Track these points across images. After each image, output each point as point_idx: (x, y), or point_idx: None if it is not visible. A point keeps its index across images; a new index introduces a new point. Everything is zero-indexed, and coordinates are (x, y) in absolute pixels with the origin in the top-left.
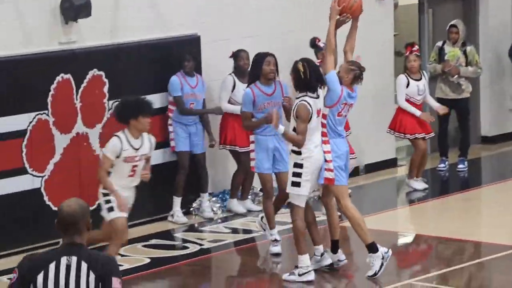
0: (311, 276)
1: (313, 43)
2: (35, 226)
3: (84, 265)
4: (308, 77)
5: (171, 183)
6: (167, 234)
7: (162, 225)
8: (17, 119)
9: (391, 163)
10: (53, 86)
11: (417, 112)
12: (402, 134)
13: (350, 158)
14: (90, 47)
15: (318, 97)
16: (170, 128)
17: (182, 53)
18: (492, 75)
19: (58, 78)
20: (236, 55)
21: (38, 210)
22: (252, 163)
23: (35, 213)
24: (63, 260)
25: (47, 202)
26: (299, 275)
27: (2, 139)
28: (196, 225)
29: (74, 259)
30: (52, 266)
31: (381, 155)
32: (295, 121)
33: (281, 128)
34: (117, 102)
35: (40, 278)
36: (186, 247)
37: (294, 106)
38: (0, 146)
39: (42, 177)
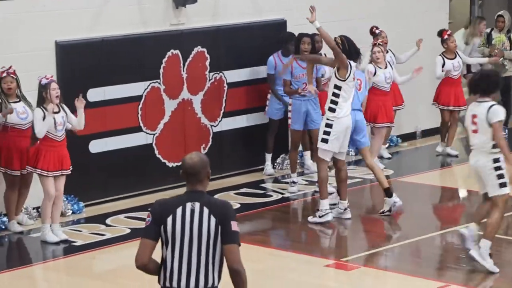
0: (330, 217)
1: (371, 31)
2: (147, 175)
3: (206, 210)
4: (347, 48)
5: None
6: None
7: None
8: (135, 86)
9: None
10: (164, 60)
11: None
12: (441, 106)
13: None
14: (196, 28)
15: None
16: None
17: (277, 35)
18: None
19: (169, 53)
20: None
21: (150, 162)
22: (289, 121)
23: (147, 164)
24: (188, 205)
25: (157, 156)
26: (320, 216)
27: (122, 103)
28: (279, 177)
29: (197, 204)
30: (179, 210)
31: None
32: (335, 77)
33: (316, 23)
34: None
35: (169, 220)
36: (270, 195)
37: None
38: (120, 108)
39: (154, 134)
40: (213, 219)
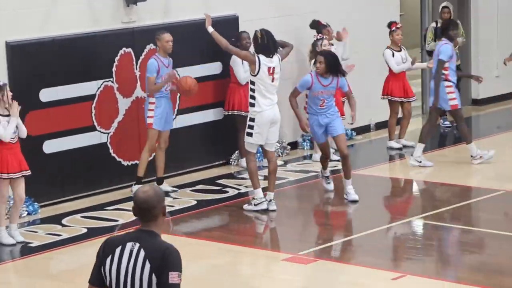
0: (264, 206)
1: (315, 25)
2: (102, 174)
3: (142, 253)
4: (265, 42)
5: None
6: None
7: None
8: (87, 85)
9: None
10: (117, 58)
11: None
12: (390, 97)
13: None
14: (148, 26)
15: (271, 60)
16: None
17: (229, 31)
18: (479, 47)
19: (121, 51)
20: (239, 36)
21: (105, 161)
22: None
23: (102, 163)
24: (128, 246)
25: (112, 154)
26: (255, 205)
27: (75, 102)
28: (234, 173)
29: (136, 246)
30: (117, 251)
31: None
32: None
33: (210, 28)
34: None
35: (108, 261)
36: (226, 192)
37: None
38: (73, 108)
39: (108, 133)
40: (147, 265)
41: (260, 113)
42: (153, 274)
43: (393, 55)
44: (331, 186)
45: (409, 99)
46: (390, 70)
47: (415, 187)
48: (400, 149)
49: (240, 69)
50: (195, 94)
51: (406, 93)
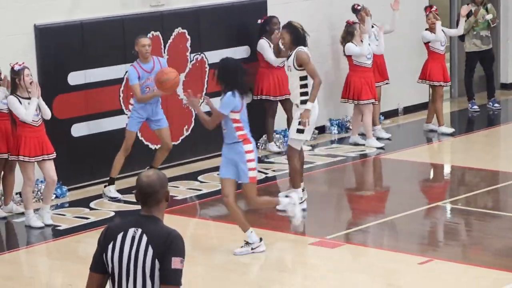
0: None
1: (353, 9)
2: (129, 157)
3: (144, 239)
4: (303, 34)
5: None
6: None
7: None
8: (115, 69)
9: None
10: None
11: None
12: (432, 82)
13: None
14: (176, 9)
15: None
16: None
17: (257, 15)
18: (508, 31)
19: (149, 35)
20: (269, 20)
21: (133, 144)
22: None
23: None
24: (130, 232)
25: (140, 138)
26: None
27: (102, 86)
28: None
29: (139, 231)
30: (119, 237)
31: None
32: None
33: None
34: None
35: (110, 247)
36: None
37: None
38: (101, 91)
39: None
40: (150, 251)
41: (314, 108)
42: (156, 260)
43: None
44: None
45: (447, 83)
46: (430, 53)
47: (446, 171)
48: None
49: (270, 52)
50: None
51: (446, 76)
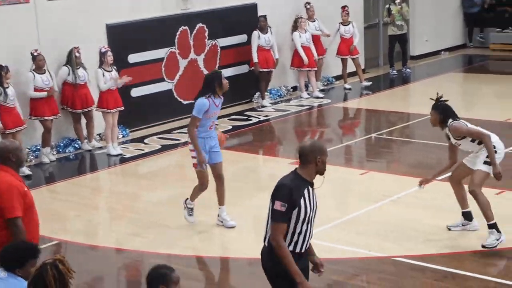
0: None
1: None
2: (169, 109)
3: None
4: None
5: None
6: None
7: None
8: (159, 51)
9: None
10: (178, 33)
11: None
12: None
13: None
14: (197, 11)
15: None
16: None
17: (249, 15)
18: (415, 20)
19: (180, 28)
20: (259, 19)
21: (171, 100)
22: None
23: (169, 102)
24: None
25: (175, 96)
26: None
27: (151, 63)
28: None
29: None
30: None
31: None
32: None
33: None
34: None
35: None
36: (251, 119)
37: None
38: (150, 67)
39: (173, 83)
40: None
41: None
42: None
43: (338, 28)
44: (192, 219)
45: (353, 56)
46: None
47: (375, 114)
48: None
49: (256, 41)
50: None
51: (351, 51)
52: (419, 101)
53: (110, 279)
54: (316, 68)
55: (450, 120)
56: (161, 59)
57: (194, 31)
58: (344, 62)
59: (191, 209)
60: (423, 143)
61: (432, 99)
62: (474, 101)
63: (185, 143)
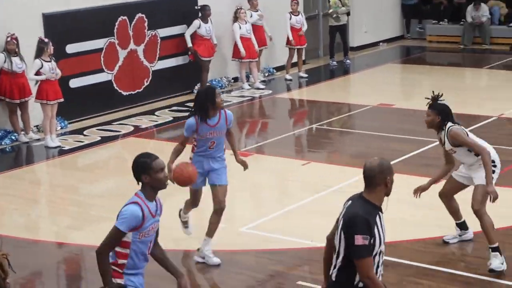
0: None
1: None
2: (108, 100)
3: (341, 220)
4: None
5: None
6: None
7: None
8: (98, 42)
9: None
10: (117, 23)
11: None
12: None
13: None
14: (136, 1)
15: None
16: None
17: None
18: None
19: (119, 18)
20: (203, 8)
21: (110, 94)
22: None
23: (108, 93)
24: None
25: (115, 87)
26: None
27: (90, 53)
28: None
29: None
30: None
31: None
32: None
33: None
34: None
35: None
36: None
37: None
38: (89, 57)
39: (113, 73)
40: (343, 229)
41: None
42: (345, 238)
43: (290, 18)
44: (189, 231)
45: (302, 46)
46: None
47: (316, 105)
48: (291, 80)
49: (193, 28)
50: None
51: (301, 41)
52: (359, 92)
53: (49, 274)
54: (257, 59)
55: (450, 124)
56: (100, 50)
57: (134, 21)
58: (291, 52)
59: (186, 222)
60: (363, 134)
61: (428, 98)
62: (412, 92)
63: (125, 136)
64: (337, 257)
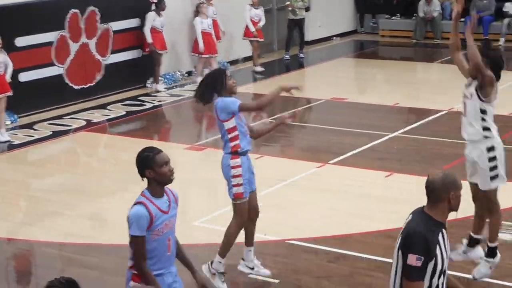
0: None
1: None
2: (59, 94)
3: (400, 237)
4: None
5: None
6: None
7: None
8: (49, 35)
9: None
10: (68, 16)
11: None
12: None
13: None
14: None
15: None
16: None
17: None
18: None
19: (71, 11)
20: (159, 1)
21: (61, 88)
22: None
23: (59, 87)
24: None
25: (66, 81)
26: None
27: (40, 47)
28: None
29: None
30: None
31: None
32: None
33: None
34: None
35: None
36: (145, 105)
37: None
38: (39, 50)
39: (64, 67)
40: (400, 246)
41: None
42: (401, 255)
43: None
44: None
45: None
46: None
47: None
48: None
49: (150, 22)
50: None
51: (257, 35)
52: (313, 86)
53: None
54: (217, 54)
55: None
56: (51, 43)
57: (85, 15)
58: (254, 44)
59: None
60: (316, 127)
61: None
62: (365, 86)
63: (76, 130)
64: (395, 280)
